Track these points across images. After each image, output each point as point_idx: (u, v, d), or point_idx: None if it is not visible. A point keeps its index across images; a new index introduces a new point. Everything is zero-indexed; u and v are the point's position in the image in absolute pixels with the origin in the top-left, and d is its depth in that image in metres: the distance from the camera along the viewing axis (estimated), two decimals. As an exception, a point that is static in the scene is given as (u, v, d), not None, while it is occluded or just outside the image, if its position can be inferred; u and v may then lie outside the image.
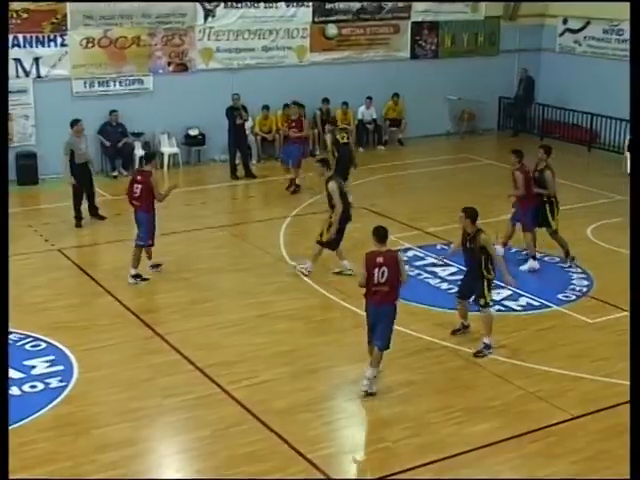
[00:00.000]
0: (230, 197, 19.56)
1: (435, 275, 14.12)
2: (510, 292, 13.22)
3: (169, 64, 20.90)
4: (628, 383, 10.61)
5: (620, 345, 11.97)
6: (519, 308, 12.89)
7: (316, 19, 22.41)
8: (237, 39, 21.49)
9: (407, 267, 14.26)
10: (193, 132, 21.23)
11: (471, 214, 11.61)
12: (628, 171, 19.36)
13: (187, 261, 14.98)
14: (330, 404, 10.38)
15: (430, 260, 14.77)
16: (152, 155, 14.78)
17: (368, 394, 10.38)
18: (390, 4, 23.20)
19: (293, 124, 19.23)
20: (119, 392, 10.39)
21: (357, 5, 22.84)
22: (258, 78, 21.44)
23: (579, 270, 14.31)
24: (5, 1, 14.85)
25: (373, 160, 21.87)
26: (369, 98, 22.87)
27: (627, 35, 23.09)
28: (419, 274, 14.22)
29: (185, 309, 12.85)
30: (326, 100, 22.29)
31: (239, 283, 14.08)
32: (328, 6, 22.43)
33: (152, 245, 14.02)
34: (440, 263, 13.98)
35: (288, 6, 21.88)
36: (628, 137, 20.91)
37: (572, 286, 13.76)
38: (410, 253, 15.15)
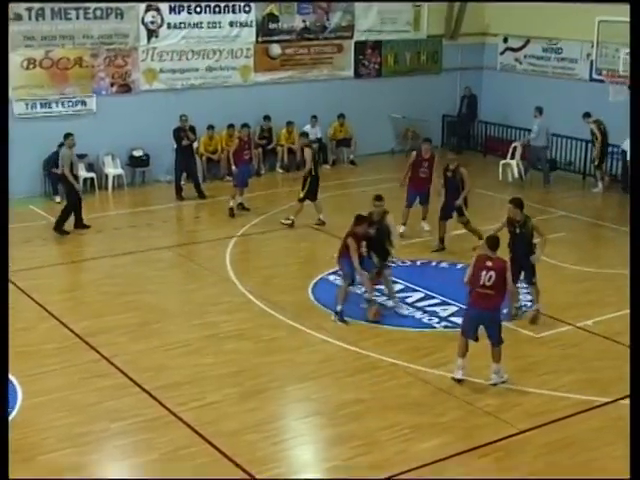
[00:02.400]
0: (176, 218, 19.46)
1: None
2: (457, 308, 13.31)
3: (112, 85, 20.78)
4: (574, 396, 10.79)
5: (565, 359, 12.13)
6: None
7: (260, 39, 22.47)
8: (181, 59, 21.45)
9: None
10: (137, 153, 21.11)
11: (519, 203, 12.80)
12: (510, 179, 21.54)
13: (134, 282, 14.87)
14: (279, 424, 10.35)
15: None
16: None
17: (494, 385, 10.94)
18: (333, 24, 23.35)
19: (246, 146, 18.98)
20: (65, 417, 10.25)
21: (301, 25, 22.95)
22: (202, 98, 21.41)
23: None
24: (5, 1, 14.84)
25: (324, 178, 21.89)
26: (314, 117, 22.95)
27: (565, 53, 23.54)
28: (366, 292, 14.23)
29: (132, 331, 12.74)
30: (267, 117, 22.34)
31: (186, 304, 14.01)
32: (272, 26, 22.51)
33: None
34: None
35: (232, 26, 21.91)
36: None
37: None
38: (357, 271, 15.17)
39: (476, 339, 11.09)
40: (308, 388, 11.09)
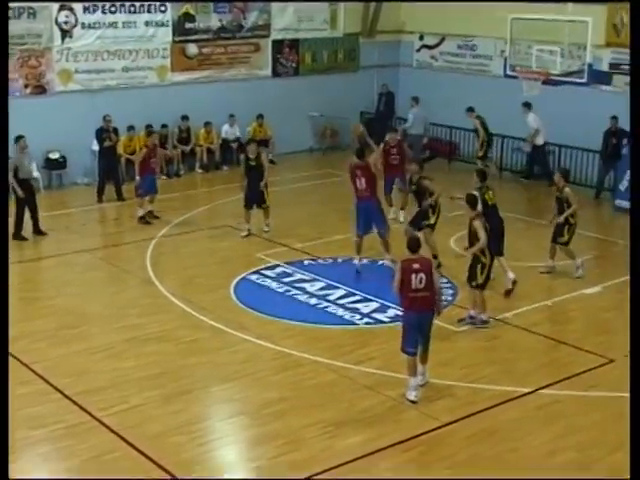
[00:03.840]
0: (95, 220, 19.19)
1: (304, 291, 14.22)
2: (378, 305, 13.43)
3: (26, 86, 20.42)
4: (494, 388, 10.97)
5: (486, 351, 12.34)
6: (387, 320, 13.07)
7: (176, 39, 22.31)
8: (96, 60, 21.17)
9: (275, 284, 14.46)
10: (53, 155, 20.76)
11: (479, 173, 14.48)
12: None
13: (52, 286, 14.67)
14: (203, 425, 10.31)
15: (298, 277, 14.85)
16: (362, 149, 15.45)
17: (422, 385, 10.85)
18: (250, 23, 23.32)
19: (152, 154, 18.55)
20: (-16, 426, 10.06)
21: (217, 24, 22.87)
22: (119, 99, 21.16)
23: (444, 280, 14.63)
24: (5, 1, 14.51)
25: (239, 178, 21.81)
26: (232, 116, 22.89)
27: (480, 50, 23.89)
28: (288, 290, 14.29)
29: (51, 336, 12.56)
30: (185, 117, 22.22)
31: (107, 307, 13.86)
32: (188, 25, 22.37)
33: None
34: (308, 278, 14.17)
35: (147, 26, 21.72)
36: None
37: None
38: (278, 270, 15.20)
39: (416, 353, 10.83)
40: (231, 388, 11.08)
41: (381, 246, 15.28)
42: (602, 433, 10.02)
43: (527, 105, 21.11)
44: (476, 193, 13.60)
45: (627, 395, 10.76)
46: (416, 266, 10.60)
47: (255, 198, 17.02)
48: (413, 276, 10.56)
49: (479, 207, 13.08)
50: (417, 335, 10.75)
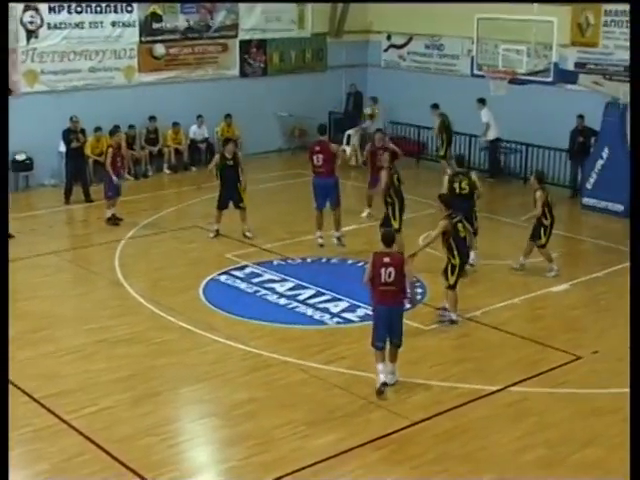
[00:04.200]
0: (63, 222, 19.07)
1: (273, 291, 14.21)
2: (348, 304, 13.44)
3: (-9, 87, 20.24)
4: (464, 386, 11.02)
5: (455, 349, 12.40)
6: (357, 319, 13.09)
7: (143, 39, 22.21)
8: (62, 60, 21.03)
9: (244, 285, 14.43)
10: (20, 157, 20.58)
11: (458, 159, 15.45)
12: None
13: (20, 290, 14.52)
14: (174, 427, 10.27)
15: (267, 277, 14.84)
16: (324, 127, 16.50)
17: (392, 385, 10.88)
18: (217, 23, 23.27)
19: (117, 153, 18.49)
20: (-49, 430, 9.96)
21: (184, 24, 22.80)
22: (86, 100, 21.03)
23: (413, 279, 14.66)
24: (5, 1, 14.37)
25: (207, 179, 21.76)
26: (199, 117, 22.83)
27: (447, 50, 24.01)
28: (257, 291, 14.27)
29: (19, 339, 12.43)
30: (153, 118, 22.13)
31: (75, 309, 13.78)
32: (155, 26, 22.29)
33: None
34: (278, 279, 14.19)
35: (114, 26, 21.60)
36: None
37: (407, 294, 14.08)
38: (247, 270, 15.18)
39: (384, 347, 10.94)
40: (201, 389, 11.05)
41: (333, 223, 16.16)
42: (571, 429, 10.09)
43: (481, 101, 21.38)
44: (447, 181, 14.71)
45: (595, 391, 10.93)
46: (386, 260, 10.72)
47: (232, 197, 16.89)
48: (382, 270, 10.68)
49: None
50: (386, 330, 10.86)
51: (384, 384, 10.78)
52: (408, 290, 11.04)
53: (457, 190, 14.73)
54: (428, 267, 14.56)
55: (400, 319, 10.99)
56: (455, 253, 12.87)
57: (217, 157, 17.14)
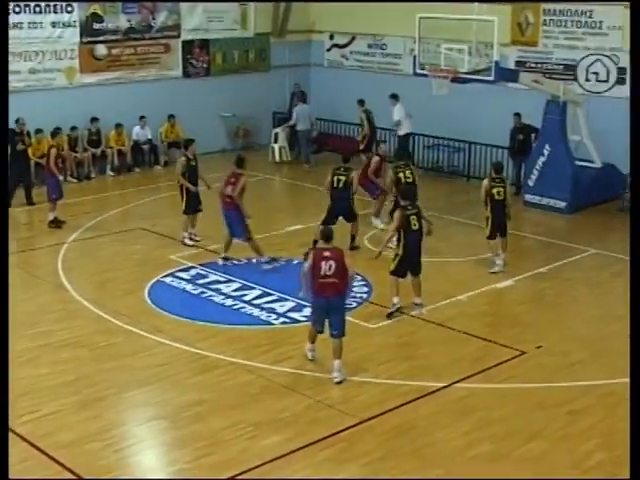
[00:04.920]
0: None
1: (219, 292, 14.16)
2: (294, 304, 13.44)
3: None
4: (411, 383, 11.08)
5: (401, 347, 12.47)
6: (303, 319, 13.07)
7: (84, 39, 21.99)
8: (1, 62, 20.75)
9: (190, 286, 14.37)
10: (-41, 160, 20.29)
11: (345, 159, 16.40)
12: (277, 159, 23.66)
13: (-40, 295, 14.30)
14: (120, 430, 10.18)
15: (213, 278, 14.78)
16: (242, 159, 15.85)
17: (341, 382, 11.08)
18: (159, 23, 23.13)
19: (59, 154, 18.21)
20: None
21: (126, 25, 22.62)
22: (26, 101, 20.72)
23: (359, 277, 14.72)
24: (5, 1, 14.04)
25: (151, 180, 21.72)
26: (142, 118, 22.67)
27: (390, 49, 24.13)
28: (203, 292, 14.21)
29: (-40, 345, 12.26)
30: (95, 119, 21.92)
31: (18, 313, 13.53)
32: (96, 26, 22.08)
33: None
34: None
35: (54, 27, 21.35)
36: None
37: (353, 294, 14.11)
38: (193, 272, 15.10)
39: (322, 330, 11.37)
40: (148, 392, 10.97)
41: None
42: (516, 424, 10.20)
43: (394, 97, 21.95)
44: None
45: (540, 385, 11.07)
46: (327, 254, 11.10)
47: (199, 200, 16.65)
48: (323, 263, 11.02)
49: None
50: (323, 320, 11.30)
51: (310, 360, 11.58)
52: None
53: (403, 180, 16.06)
54: (374, 266, 14.62)
55: (340, 310, 11.23)
56: (401, 244, 13.17)
57: (182, 160, 16.62)
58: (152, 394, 10.94)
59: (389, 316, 13.21)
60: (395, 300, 13.32)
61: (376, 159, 17.81)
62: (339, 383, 11.06)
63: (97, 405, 10.60)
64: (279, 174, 23.04)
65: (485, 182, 15.39)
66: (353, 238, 16.11)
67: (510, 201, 15.57)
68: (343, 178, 15.97)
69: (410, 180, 16.14)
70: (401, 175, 16.16)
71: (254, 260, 15.51)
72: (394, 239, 13.57)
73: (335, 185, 15.98)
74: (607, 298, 14.28)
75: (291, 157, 24.21)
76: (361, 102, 22.19)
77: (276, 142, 24.13)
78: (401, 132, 22.22)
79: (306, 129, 23.82)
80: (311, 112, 23.98)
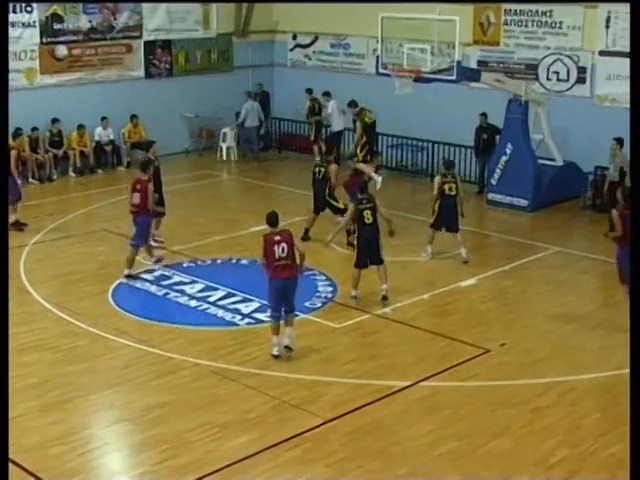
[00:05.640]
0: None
1: (184, 293, 14.11)
2: (259, 304, 13.43)
3: None
4: (376, 382, 11.12)
5: (365, 346, 12.50)
6: (268, 319, 13.00)
7: (44, 40, 21.81)
8: (-40, 63, 20.53)
9: (154, 287, 14.31)
10: None
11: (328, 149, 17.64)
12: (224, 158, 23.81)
13: None
14: (85, 434, 10.11)
15: (177, 279, 14.73)
16: (147, 164, 15.24)
17: (290, 349, 11.78)
18: (120, 24, 22.99)
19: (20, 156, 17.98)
20: None
21: (87, 25, 22.45)
22: (-14, 103, 20.55)
23: (324, 277, 14.76)
24: (5, 1, 13.79)
25: (114, 181, 21.57)
26: (104, 119, 22.53)
27: (353, 49, 24.17)
28: (167, 293, 14.16)
29: None
30: (56, 120, 21.75)
31: (-21, 318, 13.45)
32: (57, 26, 21.89)
33: (145, 245, 14.85)
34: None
35: (13, 27, 21.13)
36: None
37: (318, 293, 14.16)
38: (157, 273, 15.04)
39: (280, 315, 11.82)
40: (113, 395, 10.90)
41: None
42: (481, 421, 10.27)
43: (327, 94, 22.95)
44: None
45: (504, 383, 11.16)
46: (277, 238, 11.63)
47: (162, 203, 16.40)
48: (275, 247, 11.56)
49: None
50: (282, 301, 11.78)
51: (275, 356, 11.75)
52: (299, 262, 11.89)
53: (318, 175, 16.84)
54: (338, 266, 14.66)
55: (294, 290, 11.83)
56: (356, 235, 13.75)
57: (146, 160, 16.20)
58: (116, 396, 10.88)
59: (353, 298, 13.79)
60: (353, 292, 13.74)
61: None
62: (288, 348, 11.70)
63: (61, 408, 10.53)
64: (233, 173, 23.04)
65: (437, 178, 15.89)
66: (348, 233, 15.68)
67: (462, 197, 15.80)
68: (323, 170, 16.67)
69: (372, 121, 17.38)
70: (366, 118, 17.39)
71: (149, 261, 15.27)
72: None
73: (316, 176, 16.78)
74: (570, 296, 14.40)
75: (238, 157, 24.37)
76: (309, 91, 23.43)
77: (224, 142, 24.27)
78: (335, 128, 22.91)
79: (255, 126, 24.24)
80: (259, 109, 24.32)
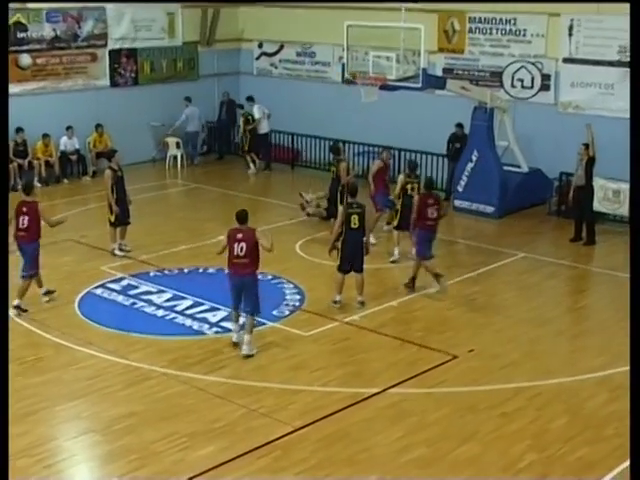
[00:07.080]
0: None
1: (151, 303, 14.02)
2: (226, 313, 13.36)
3: None
4: (345, 390, 11.11)
5: (334, 354, 12.47)
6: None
7: (8, 49, 21.60)
8: None
9: (121, 297, 14.21)
10: None
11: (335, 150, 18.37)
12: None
13: None
14: (51, 446, 9.99)
15: (145, 288, 14.64)
16: (31, 186, 14.85)
17: (249, 356, 11.91)
18: (85, 32, 22.86)
19: None
20: None
21: (51, 34, 22.30)
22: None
23: (291, 285, 14.73)
24: (5, 1, 13.58)
25: (80, 191, 21.44)
26: (69, 128, 22.38)
27: (319, 57, 24.20)
28: (134, 303, 14.05)
29: None
30: (21, 129, 21.56)
31: (-57, 329, 13.29)
32: (20, 35, 21.72)
33: (37, 274, 13.94)
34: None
35: (-24, 36, 20.97)
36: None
37: (286, 301, 14.13)
38: (124, 282, 14.93)
39: (238, 306, 12.24)
40: (79, 406, 10.80)
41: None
42: (450, 427, 10.28)
43: (250, 99, 24.11)
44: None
45: (472, 389, 11.19)
46: (239, 236, 11.91)
47: (127, 212, 16.37)
48: (235, 245, 11.87)
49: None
50: (238, 297, 12.15)
51: (235, 343, 12.27)
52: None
53: (333, 175, 17.74)
54: (306, 274, 14.64)
55: (251, 288, 12.06)
56: (341, 239, 13.67)
57: (109, 173, 16.17)
58: (83, 407, 10.78)
59: (334, 303, 13.85)
60: (337, 297, 13.79)
61: (377, 162, 17.72)
62: (247, 357, 11.79)
63: (27, 420, 10.40)
64: (200, 181, 22.94)
65: (401, 177, 16.28)
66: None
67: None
68: (333, 168, 17.75)
69: (334, 176, 17.65)
70: (333, 169, 17.85)
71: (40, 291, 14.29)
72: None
73: (333, 176, 17.77)
74: (536, 301, 14.48)
75: (185, 164, 24.32)
76: (250, 99, 24.31)
77: (169, 150, 24.31)
78: (261, 131, 23.83)
79: (195, 131, 24.66)
80: (200, 114, 24.67)
